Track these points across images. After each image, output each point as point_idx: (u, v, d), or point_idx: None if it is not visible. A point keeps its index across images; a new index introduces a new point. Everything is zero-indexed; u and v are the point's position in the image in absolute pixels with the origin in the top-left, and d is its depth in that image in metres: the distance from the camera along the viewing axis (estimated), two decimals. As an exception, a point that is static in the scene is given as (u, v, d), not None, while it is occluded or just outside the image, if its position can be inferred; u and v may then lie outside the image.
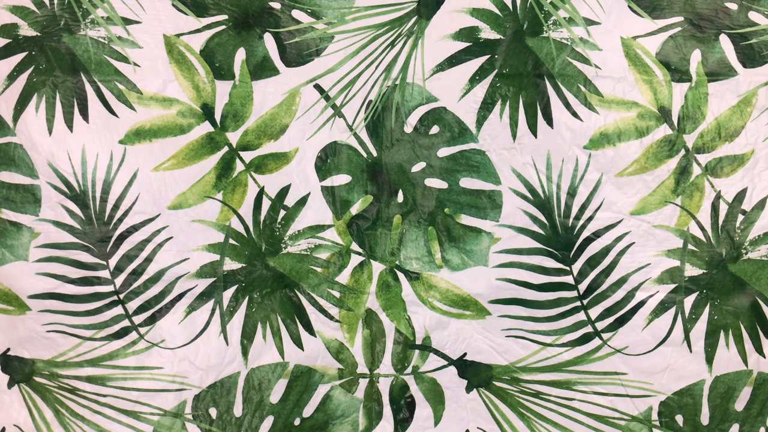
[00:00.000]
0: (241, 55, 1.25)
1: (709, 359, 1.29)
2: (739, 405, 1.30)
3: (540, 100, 1.25)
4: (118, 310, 1.29)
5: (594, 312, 1.29)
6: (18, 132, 1.24)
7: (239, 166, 1.27)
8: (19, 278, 1.28)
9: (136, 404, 1.32)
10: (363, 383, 1.33)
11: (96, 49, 1.24)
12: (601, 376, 1.31)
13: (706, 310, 1.28)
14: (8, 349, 1.31)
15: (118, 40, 1.24)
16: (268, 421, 1.32)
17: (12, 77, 1.24)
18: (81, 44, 1.24)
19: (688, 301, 1.28)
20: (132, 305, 1.29)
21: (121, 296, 1.29)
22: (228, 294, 1.31)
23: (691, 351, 1.29)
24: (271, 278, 1.31)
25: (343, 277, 1.31)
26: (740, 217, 1.26)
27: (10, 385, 1.32)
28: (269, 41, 1.26)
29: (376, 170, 1.28)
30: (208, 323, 1.31)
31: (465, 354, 1.32)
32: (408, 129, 1.27)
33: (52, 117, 1.24)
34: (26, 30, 1.24)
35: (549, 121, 1.25)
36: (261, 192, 1.28)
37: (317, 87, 1.26)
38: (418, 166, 1.28)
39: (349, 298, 1.31)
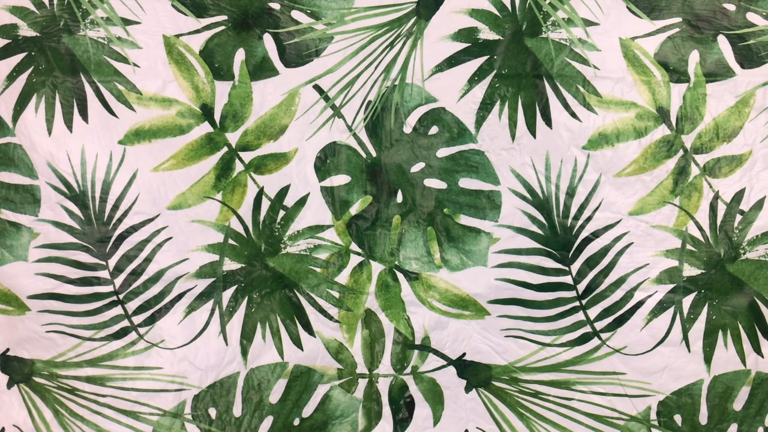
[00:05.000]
0: (240, 55, 1.26)
1: (708, 359, 1.29)
2: (738, 405, 1.30)
3: (539, 100, 1.25)
4: (117, 310, 1.29)
5: (593, 312, 1.29)
6: (17, 132, 1.24)
7: (239, 167, 1.27)
8: (18, 278, 1.28)
9: (135, 404, 1.32)
10: (362, 383, 1.33)
11: (95, 49, 1.24)
12: (599, 376, 1.31)
13: (705, 310, 1.29)
14: (8, 350, 1.31)
15: (118, 41, 1.24)
16: (268, 421, 1.33)
17: (11, 77, 1.24)
18: (80, 45, 1.24)
19: (687, 301, 1.28)
20: (131, 305, 1.29)
21: (121, 296, 1.29)
22: (227, 294, 1.31)
23: (689, 351, 1.29)
24: (271, 278, 1.31)
25: (343, 278, 1.31)
26: (738, 218, 1.27)
27: (9, 386, 1.32)
28: (269, 42, 1.26)
29: (376, 170, 1.28)
30: (207, 323, 1.31)
31: (464, 354, 1.32)
32: (407, 129, 1.27)
33: (52, 117, 1.24)
34: (26, 30, 1.24)
35: (548, 121, 1.25)
36: (260, 192, 1.28)
37: (316, 87, 1.27)
38: (418, 167, 1.28)
39: (349, 298, 1.31)
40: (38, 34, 1.24)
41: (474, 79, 1.26)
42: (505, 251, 1.29)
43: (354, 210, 1.29)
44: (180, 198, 1.27)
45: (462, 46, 1.25)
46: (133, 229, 1.27)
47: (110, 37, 1.24)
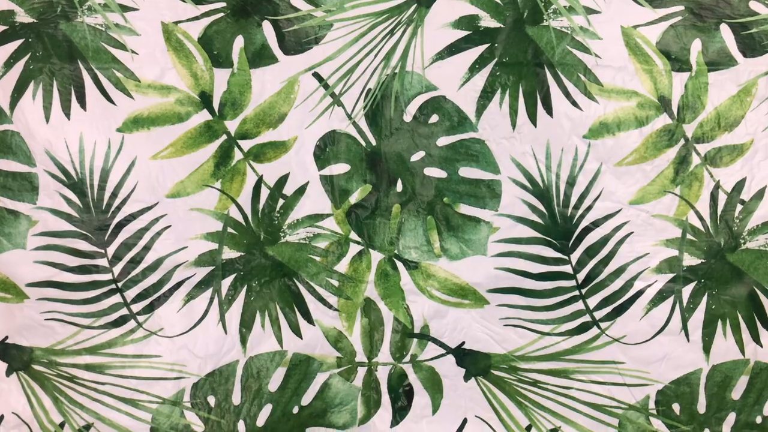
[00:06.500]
0: (239, 42, 1.25)
1: (707, 348, 1.30)
2: (736, 394, 1.31)
3: (540, 89, 1.24)
4: (116, 298, 1.29)
5: (592, 301, 1.29)
6: (15, 119, 1.24)
7: (237, 155, 1.27)
8: (17, 266, 1.28)
9: (134, 392, 1.32)
10: (361, 372, 1.34)
11: (93, 36, 1.23)
12: (598, 365, 1.31)
13: (704, 299, 1.29)
14: (6, 337, 1.31)
15: (116, 28, 1.23)
16: (267, 409, 1.33)
17: (9, 64, 1.23)
18: (78, 31, 1.23)
19: (686, 291, 1.28)
20: (130, 294, 1.29)
21: (120, 284, 1.29)
22: (226, 282, 1.30)
23: (688, 340, 1.29)
24: (270, 267, 1.31)
25: (342, 266, 1.31)
26: (739, 207, 1.26)
27: (8, 373, 1.32)
28: (268, 29, 1.25)
29: (375, 159, 1.28)
30: (206, 312, 1.31)
31: (463, 343, 1.33)
32: (407, 118, 1.27)
33: (50, 105, 1.23)
34: (23, 16, 1.23)
35: (549, 110, 1.24)
36: (259, 181, 1.28)
37: (316, 75, 1.26)
38: (418, 155, 1.27)
39: (348, 286, 1.31)
40: (35, 21, 1.23)
41: (475, 67, 1.25)
42: (504, 240, 1.29)
43: (353, 199, 1.29)
44: (179, 186, 1.27)
45: (463, 33, 1.25)
46: (132, 217, 1.27)
47: (108, 23, 1.23)
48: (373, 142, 1.27)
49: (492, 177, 1.27)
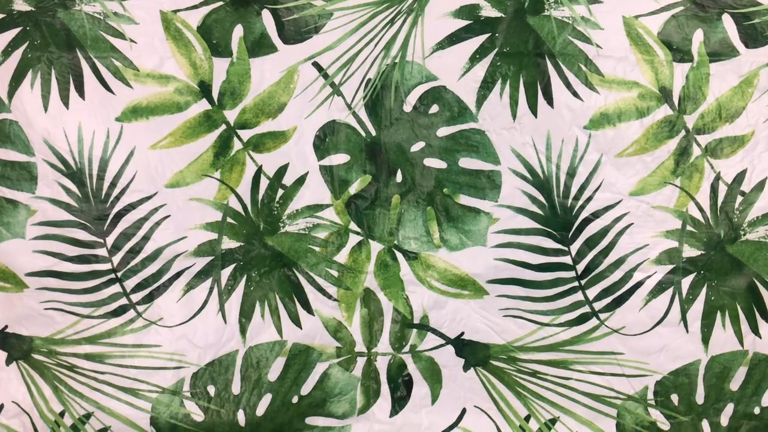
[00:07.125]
0: (238, 31, 1.24)
1: (706, 339, 1.30)
2: (734, 385, 1.31)
3: (540, 79, 1.24)
4: (115, 288, 1.29)
5: (592, 292, 1.29)
6: (13, 108, 1.23)
7: (237, 145, 1.27)
8: (16, 256, 1.28)
9: (134, 382, 1.32)
10: (361, 362, 1.34)
11: (91, 24, 1.23)
12: (597, 356, 1.31)
13: (704, 290, 1.29)
14: (6, 327, 1.31)
15: (114, 16, 1.23)
16: (267, 398, 1.33)
17: (6, 53, 1.23)
18: (76, 20, 1.22)
19: (686, 282, 1.28)
20: (130, 283, 1.29)
21: (119, 274, 1.29)
22: (226, 272, 1.30)
23: (687, 331, 1.29)
24: (270, 257, 1.30)
25: (342, 257, 1.30)
26: (739, 199, 1.26)
27: (8, 362, 1.33)
28: (267, 18, 1.24)
29: (375, 150, 1.27)
30: (206, 301, 1.31)
31: (462, 333, 1.33)
32: (407, 108, 1.26)
33: (48, 93, 1.23)
34: (20, 4, 1.22)
35: (549, 100, 1.24)
36: (259, 171, 1.27)
37: (315, 65, 1.25)
38: (417, 146, 1.27)
39: (348, 277, 1.31)
40: (33, 9, 1.22)
41: (475, 57, 1.24)
42: (504, 231, 1.29)
43: (353, 189, 1.28)
44: (178, 176, 1.26)
45: (463, 23, 1.24)
46: (131, 206, 1.27)
47: (106, 12, 1.22)
48: (373, 133, 1.27)
49: (492, 168, 1.27)
